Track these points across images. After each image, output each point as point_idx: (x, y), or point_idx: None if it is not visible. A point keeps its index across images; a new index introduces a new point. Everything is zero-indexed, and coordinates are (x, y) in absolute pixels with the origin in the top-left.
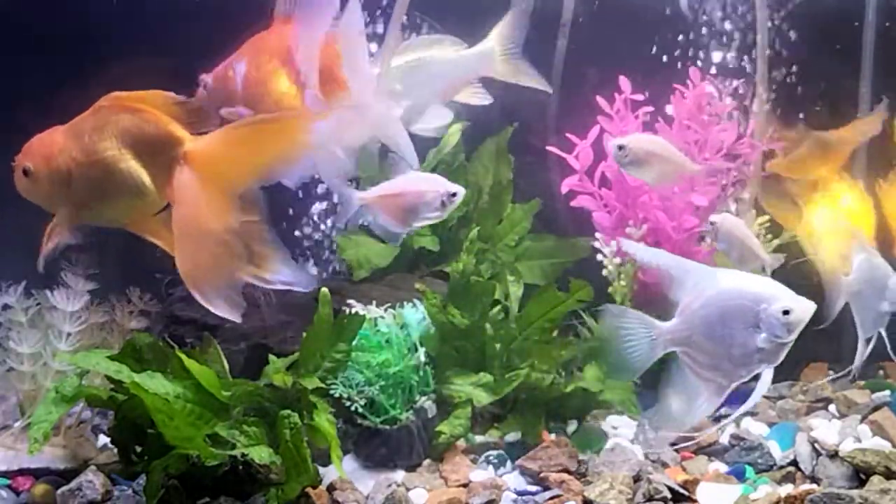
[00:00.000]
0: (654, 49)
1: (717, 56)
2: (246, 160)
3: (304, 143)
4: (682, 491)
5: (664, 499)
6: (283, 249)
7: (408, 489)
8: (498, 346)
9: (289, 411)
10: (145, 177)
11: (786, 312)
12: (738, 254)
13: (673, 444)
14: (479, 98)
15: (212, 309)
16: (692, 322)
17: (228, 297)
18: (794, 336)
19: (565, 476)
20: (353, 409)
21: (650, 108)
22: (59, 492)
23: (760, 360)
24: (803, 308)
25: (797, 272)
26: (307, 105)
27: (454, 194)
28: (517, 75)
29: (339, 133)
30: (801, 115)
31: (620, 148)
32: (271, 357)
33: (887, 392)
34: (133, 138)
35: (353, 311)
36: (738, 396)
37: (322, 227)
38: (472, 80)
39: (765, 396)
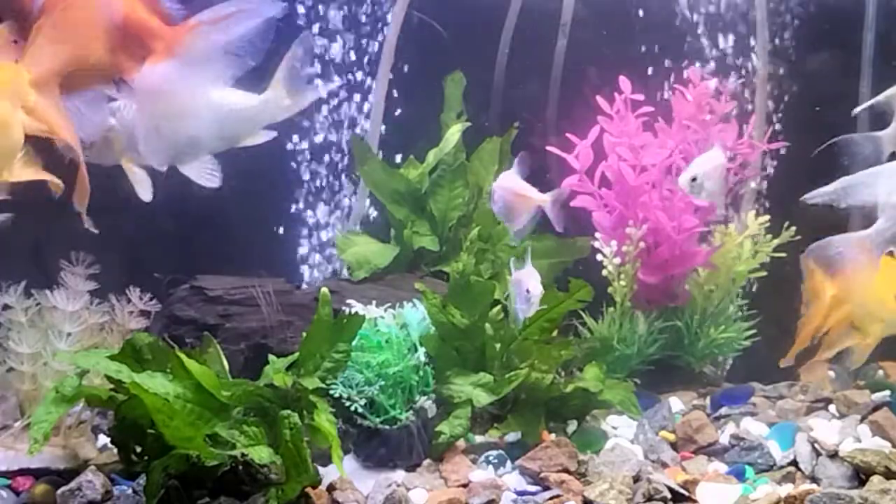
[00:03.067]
0: (652, 49)
1: (716, 56)
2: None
3: None
4: (681, 491)
5: (664, 499)
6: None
7: (408, 489)
8: (498, 346)
9: (289, 411)
10: None
11: None
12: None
13: None
14: (264, 137)
15: None
16: None
17: None
18: None
19: (565, 476)
20: (352, 409)
21: (650, 108)
22: (59, 492)
23: None
24: None
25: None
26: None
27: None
28: (302, 104)
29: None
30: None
31: None
32: (271, 357)
33: (887, 392)
34: None
35: (353, 311)
36: (738, 395)
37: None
38: (258, 128)
39: (764, 396)
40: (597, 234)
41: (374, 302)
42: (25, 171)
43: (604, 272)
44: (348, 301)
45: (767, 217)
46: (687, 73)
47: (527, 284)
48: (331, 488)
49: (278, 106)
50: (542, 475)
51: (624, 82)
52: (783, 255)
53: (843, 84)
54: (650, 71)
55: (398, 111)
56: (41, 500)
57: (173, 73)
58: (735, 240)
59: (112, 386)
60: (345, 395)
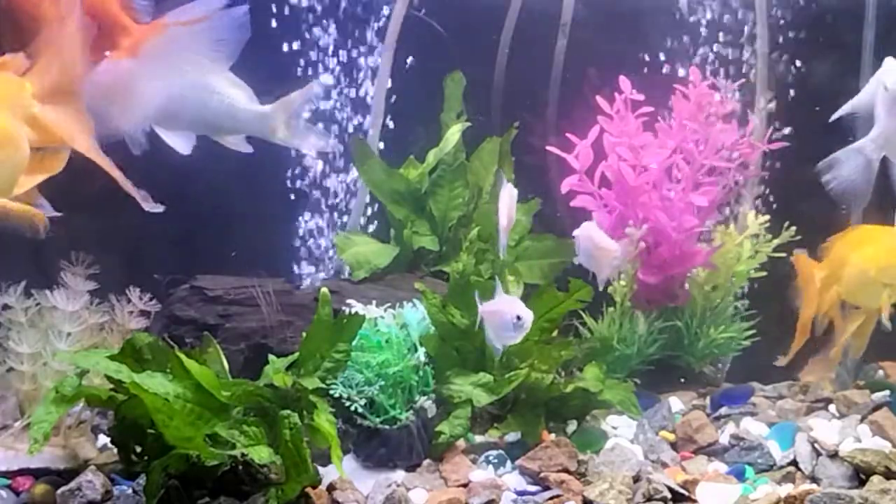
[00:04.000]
0: (653, 49)
1: (716, 56)
2: None
3: None
4: (681, 491)
5: (664, 499)
6: None
7: (408, 489)
8: None
9: (289, 411)
10: None
11: None
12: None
13: None
14: (242, 147)
15: None
16: (888, 120)
17: None
18: None
19: (565, 476)
20: (352, 409)
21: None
22: (59, 492)
23: None
24: None
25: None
26: None
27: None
28: (294, 140)
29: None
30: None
31: None
32: (271, 357)
33: (887, 392)
34: None
35: (353, 311)
36: (738, 395)
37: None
38: (241, 131)
39: (764, 396)
40: None
41: (374, 302)
42: (29, 180)
43: None
44: (348, 301)
45: (767, 217)
46: (689, 73)
47: (516, 312)
48: (331, 488)
49: (269, 127)
50: (542, 475)
51: (624, 82)
52: (783, 255)
53: (843, 84)
54: (650, 71)
55: (398, 111)
56: (41, 500)
57: (131, 72)
58: (735, 240)
59: (112, 386)
60: (345, 395)
